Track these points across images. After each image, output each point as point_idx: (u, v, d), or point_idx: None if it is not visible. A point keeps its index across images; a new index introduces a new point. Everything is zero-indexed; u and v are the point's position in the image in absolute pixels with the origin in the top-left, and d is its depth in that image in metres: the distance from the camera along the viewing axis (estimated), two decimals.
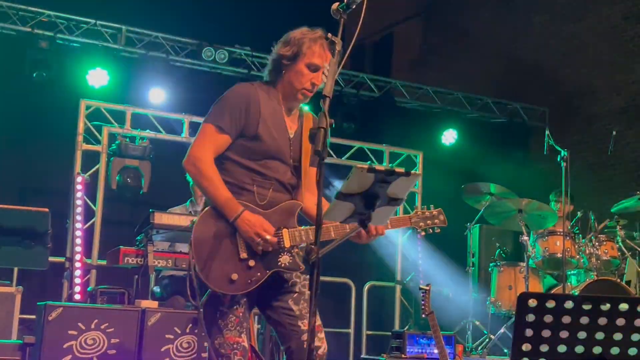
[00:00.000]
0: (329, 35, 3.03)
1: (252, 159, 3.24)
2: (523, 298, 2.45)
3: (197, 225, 3.13)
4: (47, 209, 5.50)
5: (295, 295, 3.27)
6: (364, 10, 2.92)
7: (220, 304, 3.13)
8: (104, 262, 6.52)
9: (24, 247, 5.22)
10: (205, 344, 3.24)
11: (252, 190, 3.21)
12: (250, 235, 3.09)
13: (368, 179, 2.55)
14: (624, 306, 2.43)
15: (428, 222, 3.55)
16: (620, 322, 2.44)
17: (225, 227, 3.12)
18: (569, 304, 2.43)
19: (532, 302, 2.43)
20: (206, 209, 3.19)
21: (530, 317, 2.44)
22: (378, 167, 2.53)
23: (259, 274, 3.14)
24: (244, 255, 3.12)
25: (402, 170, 2.55)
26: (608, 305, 2.43)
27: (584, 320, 2.44)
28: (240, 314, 3.15)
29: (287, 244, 3.19)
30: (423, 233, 3.58)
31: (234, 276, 3.07)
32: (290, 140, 3.32)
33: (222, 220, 3.14)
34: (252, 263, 3.12)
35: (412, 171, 2.58)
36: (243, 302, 3.17)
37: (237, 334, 3.12)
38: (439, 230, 3.60)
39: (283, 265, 3.19)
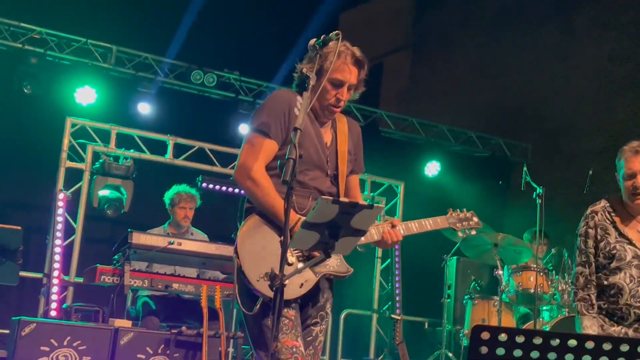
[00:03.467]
0: (304, 69, 3.14)
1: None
2: (476, 331, 2.52)
3: (241, 237, 3.06)
4: (19, 227, 5.56)
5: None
6: (336, 52, 3.02)
7: (267, 309, 2.99)
8: (81, 280, 6.55)
9: None
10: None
11: (292, 201, 3.09)
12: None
13: (333, 210, 2.65)
14: (572, 342, 2.50)
15: (464, 223, 3.57)
16: (569, 357, 2.52)
17: (271, 235, 3.08)
18: (520, 338, 2.51)
19: (485, 335, 2.51)
20: (249, 219, 3.12)
21: (484, 350, 2.52)
22: (342, 199, 2.63)
23: (309, 278, 3.09)
24: (292, 259, 3.07)
25: (365, 203, 2.65)
26: (557, 341, 2.51)
27: (534, 354, 2.51)
28: (293, 317, 3.07)
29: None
30: (461, 234, 3.55)
31: (286, 282, 2.88)
32: (327, 149, 3.31)
33: (268, 227, 3.09)
34: (299, 265, 3.06)
35: (375, 204, 2.68)
36: (294, 306, 3.10)
37: (293, 337, 3.02)
38: (474, 232, 3.59)
39: (332, 268, 3.17)
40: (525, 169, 7.16)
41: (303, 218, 2.90)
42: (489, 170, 10.74)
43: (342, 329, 8.67)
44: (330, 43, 3.10)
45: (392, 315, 5.14)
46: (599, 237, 4.06)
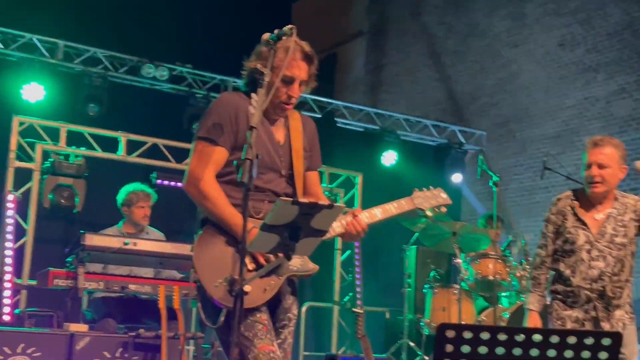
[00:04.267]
0: (258, 65, 3.06)
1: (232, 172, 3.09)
2: (441, 329, 2.50)
3: (197, 249, 2.99)
4: None
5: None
6: (291, 50, 2.95)
7: (249, 315, 2.95)
8: (34, 283, 6.37)
9: None
10: None
11: (246, 205, 3.07)
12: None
13: (292, 211, 2.59)
14: (537, 337, 2.50)
15: (432, 202, 3.44)
16: (534, 352, 2.51)
17: (226, 244, 3.00)
18: (485, 335, 2.49)
19: (450, 333, 2.48)
20: (204, 230, 3.04)
21: (449, 348, 2.49)
22: (302, 200, 2.57)
23: (272, 282, 3.01)
24: (252, 266, 2.99)
25: (325, 202, 2.59)
26: (522, 336, 2.50)
27: (500, 350, 2.50)
28: (266, 322, 3.00)
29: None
30: (429, 214, 3.40)
31: (247, 288, 2.82)
32: (280, 148, 3.23)
33: (222, 237, 3.01)
34: (261, 271, 2.99)
35: (336, 204, 2.63)
36: (264, 310, 3.03)
37: (269, 342, 2.95)
38: (445, 209, 3.46)
39: (296, 268, 3.08)
40: (481, 157, 7.22)
41: (256, 228, 2.83)
42: (445, 158, 10.79)
43: (303, 322, 8.63)
44: (283, 37, 3.02)
45: (354, 309, 5.10)
46: (559, 223, 4.34)
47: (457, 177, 10.38)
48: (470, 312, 6.93)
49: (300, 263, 3.09)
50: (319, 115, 10.07)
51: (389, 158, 10.25)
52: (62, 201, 7.34)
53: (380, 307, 9.11)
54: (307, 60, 3.19)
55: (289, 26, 2.99)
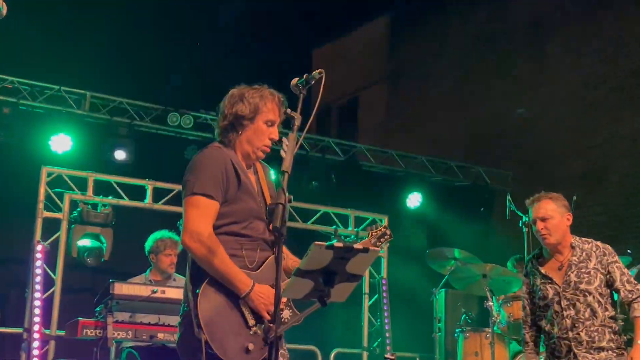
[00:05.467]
0: (289, 110, 3.06)
1: (237, 223, 3.17)
2: None
3: (201, 305, 3.02)
4: None
5: None
6: (321, 90, 2.95)
7: None
8: (63, 333, 6.34)
9: None
10: None
11: (241, 256, 3.14)
12: (263, 308, 3.06)
13: (327, 256, 2.54)
14: None
15: (381, 239, 3.60)
16: None
17: (227, 299, 3.05)
18: None
19: None
20: (204, 285, 3.06)
21: None
22: (337, 244, 2.53)
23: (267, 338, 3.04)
24: (252, 322, 3.06)
25: (360, 246, 2.55)
26: None
27: None
28: None
29: (284, 300, 3.20)
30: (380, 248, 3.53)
31: (250, 346, 3.00)
32: (258, 196, 3.29)
33: (223, 292, 3.06)
34: (259, 331, 3.07)
35: (372, 248, 2.58)
36: None
37: None
38: (387, 244, 3.67)
39: (286, 320, 3.17)
40: (509, 197, 7.13)
41: (256, 284, 3.01)
42: (471, 199, 10.71)
43: None
44: (312, 82, 3.04)
45: (386, 355, 5.01)
46: (530, 283, 4.69)
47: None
48: (503, 357, 6.77)
49: (289, 314, 3.18)
50: (343, 158, 10.07)
51: (414, 200, 10.21)
52: (89, 261, 7.37)
53: (410, 353, 8.96)
54: (282, 105, 3.33)
55: (318, 70, 3.01)
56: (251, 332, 3.05)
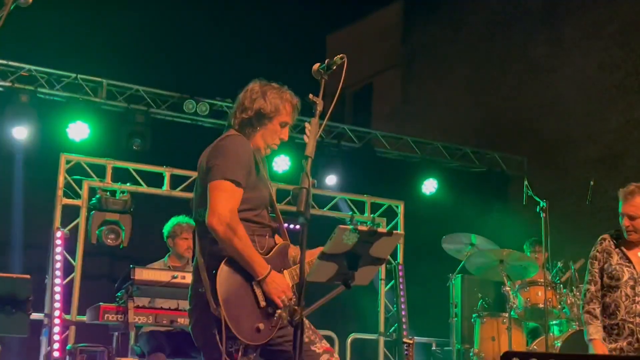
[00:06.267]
0: (311, 96, 3.07)
1: (251, 210, 3.30)
2: (506, 357, 2.45)
3: (220, 284, 3.13)
4: (29, 276, 5.45)
5: None
6: (344, 73, 2.97)
7: (246, 354, 3.19)
8: (83, 318, 6.42)
9: (5, 314, 5.15)
10: None
11: (253, 241, 3.25)
12: (277, 294, 3.20)
13: (351, 239, 2.57)
14: None
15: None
16: None
17: (243, 280, 3.19)
18: None
19: None
20: (221, 266, 3.18)
21: None
22: (361, 227, 2.55)
23: (276, 319, 3.22)
24: (263, 304, 3.20)
25: (384, 230, 2.58)
26: None
27: None
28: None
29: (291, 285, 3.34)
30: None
31: (261, 326, 3.15)
32: (269, 186, 3.46)
33: (239, 273, 3.19)
34: (271, 310, 3.21)
35: (395, 231, 2.61)
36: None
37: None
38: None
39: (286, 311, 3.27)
40: (526, 183, 7.12)
41: (273, 270, 3.17)
42: (486, 185, 10.70)
43: (349, 354, 8.55)
44: (333, 67, 3.06)
45: (405, 339, 5.07)
46: (604, 261, 4.80)
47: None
48: (520, 341, 6.80)
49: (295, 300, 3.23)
50: (358, 145, 10.07)
51: (429, 186, 10.20)
52: (109, 241, 7.42)
53: (427, 338, 9.00)
54: (296, 112, 3.53)
55: (340, 55, 3.03)
56: (264, 313, 3.18)
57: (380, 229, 2.57)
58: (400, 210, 9.35)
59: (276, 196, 8.61)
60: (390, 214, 9.29)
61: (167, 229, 6.39)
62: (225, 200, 3.17)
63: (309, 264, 3.34)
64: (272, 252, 3.32)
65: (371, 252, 2.63)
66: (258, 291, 3.19)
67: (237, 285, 3.15)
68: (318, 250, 3.33)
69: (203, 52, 10.53)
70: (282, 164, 9.07)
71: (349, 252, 2.59)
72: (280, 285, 3.21)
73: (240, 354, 3.10)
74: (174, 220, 6.42)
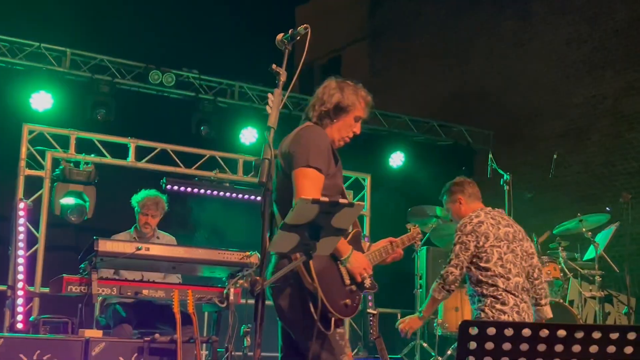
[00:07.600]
0: (274, 66, 3.05)
1: (327, 197, 3.35)
2: (464, 326, 2.48)
3: (313, 261, 3.23)
4: None
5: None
6: (307, 44, 2.95)
7: (337, 326, 3.40)
8: (47, 290, 6.37)
9: None
10: None
11: None
12: (360, 271, 3.46)
13: (312, 210, 2.57)
14: (561, 332, 2.48)
15: (417, 239, 4.27)
16: (559, 348, 2.49)
17: (330, 260, 3.39)
18: (509, 331, 2.47)
19: (473, 330, 2.47)
20: None
21: (472, 345, 2.48)
22: (322, 198, 2.56)
23: (357, 297, 3.49)
24: (348, 281, 3.43)
25: (345, 201, 2.58)
26: (546, 332, 2.48)
27: (524, 347, 2.48)
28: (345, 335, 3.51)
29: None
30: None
31: (348, 301, 3.40)
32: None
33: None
34: (354, 288, 3.46)
35: (357, 202, 2.62)
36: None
37: (350, 350, 3.49)
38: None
39: (367, 286, 3.54)
40: (490, 156, 7.19)
41: (354, 250, 3.45)
42: (452, 158, 10.77)
43: None
44: (297, 37, 3.05)
45: (368, 310, 5.09)
46: None
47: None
48: None
49: (370, 282, 3.55)
50: None
51: (397, 159, 10.26)
52: (73, 219, 7.37)
53: (392, 309, 9.09)
54: (369, 108, 3.70)
55: (303, 26, 3.01)
56: (348, 291, 3.42)
57: (341, 200, 2.58)
58: (367, 182, 9.39)
59: (243, 168, 8.63)
60: (357, 187, 9.33)
61: (135, 200, 6.31)
62: (310, 187, 3.30)
63: (376, 252, 3.81)
64: (349, 237, 3.52)
65: (333, 223, 2.63)
66: (343, 270, 3.41)
67: (325, 263, 3.34)
68: (386, 240, 3.90)
69: (170, 23, 10.39)
70: (249, 135, 9.03)
71: (310, 222, 2.60)
72: (362, 263, 3.47)
73: (332, 325, 3.30)
74: (143, 193, 6.34)
